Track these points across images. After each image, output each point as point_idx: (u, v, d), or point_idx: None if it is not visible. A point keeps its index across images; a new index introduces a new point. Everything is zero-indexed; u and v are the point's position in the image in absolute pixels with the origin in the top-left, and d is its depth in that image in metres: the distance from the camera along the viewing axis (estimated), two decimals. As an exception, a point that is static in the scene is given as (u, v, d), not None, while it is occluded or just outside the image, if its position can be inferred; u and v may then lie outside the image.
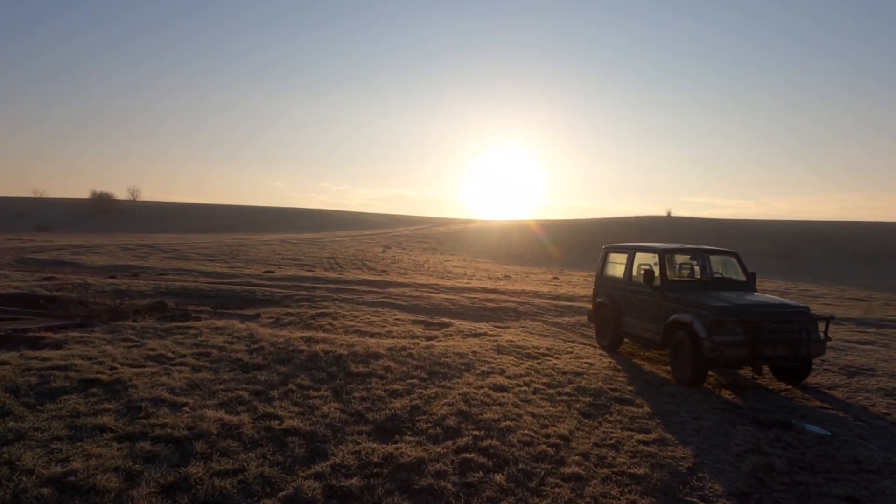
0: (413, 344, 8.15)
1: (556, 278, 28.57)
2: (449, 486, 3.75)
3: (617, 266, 9.60)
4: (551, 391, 6.40)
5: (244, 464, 3.82)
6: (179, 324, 8.97)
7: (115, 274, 18.61)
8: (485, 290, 18.31)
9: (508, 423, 5.07)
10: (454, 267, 33.51)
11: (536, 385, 6.60)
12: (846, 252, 47.16)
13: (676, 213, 66.05)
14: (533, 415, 5.44)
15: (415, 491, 3.67)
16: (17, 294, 13.16)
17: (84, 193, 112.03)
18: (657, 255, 8.48)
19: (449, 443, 4.50)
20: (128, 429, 4.21)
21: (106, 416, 4.40)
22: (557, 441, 4.78)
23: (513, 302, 15.29)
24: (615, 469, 4.33)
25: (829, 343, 7.59)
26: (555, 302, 15.84)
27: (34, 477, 3.36)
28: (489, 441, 4.56)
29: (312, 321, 10.72)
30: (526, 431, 4.90)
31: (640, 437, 5.11)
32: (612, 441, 4.95)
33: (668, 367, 7.91)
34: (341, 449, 4.25)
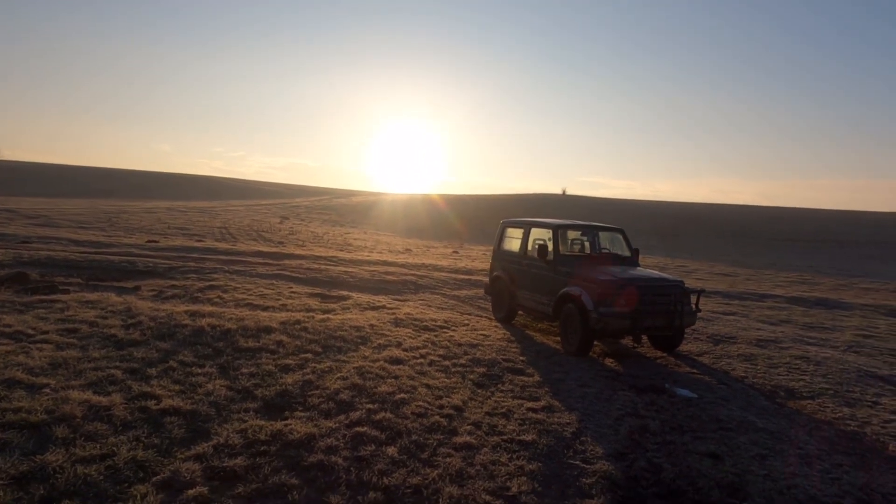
0: (308, 317, 7.91)
1: (457, 252, 29.03)
2: (340, 460, 3.68)
3: (513, 240, 9.85)
4: (447, 363, 6.47)
5: (114, 448, 3.51)
6: (43, 297, 8.09)
7: (-34, 241, 16.45)
8: (385, 263, 18.19)
9: (403, 395, 5.05)
10: (355, 240, 33.04)
11: (432, 357, 6.64)
12: (717, 232, 51.84)
13: (571, 191, 69.20)
14: (428, 386, 5.47)
15: (304, 468, 3.55)
16: None
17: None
18: (551, 231, 8.77)
19: (341, 417, 4.41)
20: (-28, 415, 3.73)
21: (-55, 402, 3.86)
22: (451, 412, 4.83)
23: (412, 275, 15.32)
24: (505, 437, 4.46)
25: (699, 314, 8.28)
26: (454, 275, 16.07)
27: None
28: (383, 414, 4.52)
29: (200, 294, 10.10)
30: (420, 403, 4.92)
31: (530, 405, 5.30)
32: (504, 410, 5.09)
33: (559, 338, 8.28)
34: (226, 428, 4.03)
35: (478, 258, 25.71)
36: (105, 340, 5.87)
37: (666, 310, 7.43)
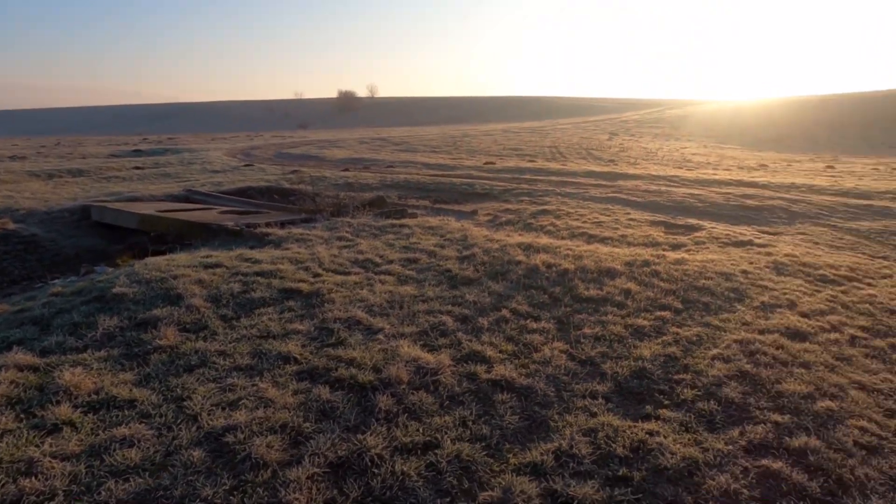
0: (657, 257, 6.44)
1: (832, 167, 23.10)
2: (748, 527, 2.29)
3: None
4: (879, 342, 4.30)
5: (437, 435, 2.82)
6: (394, 221, 8.50)
7: (349, 167, 19.60)
8: (739, 182, 15.10)
9: (827, 403, 3.28)
10: (693, 155, 29.36)
11: (851, 330, 4.52)
12: None
13: None
14: (862, 387, 3.54)
15: (689, 528, 2.29)
16: (266, 187, 14.36)
17: (333, 93, 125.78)
18: None
19: (734, 433, 2.96)
20: (312, 361, 3.52)
21: (293, 342, 3.78)
22: (926, 448, 2.90)
23: (780, 199, 12.18)
24: None
25: None
26: (842, 199, 12.24)
27: (194, 428, 2.77)
28: (802, 438, 2.89)
29: (532, 220, 9.52)
30: (861, 423, 3.09)
31: None
32: None
33: None
34: (568, 421, 3.02)
35: (866, 175, 19.86)
36: (440, 276, 5.52)
37: None
